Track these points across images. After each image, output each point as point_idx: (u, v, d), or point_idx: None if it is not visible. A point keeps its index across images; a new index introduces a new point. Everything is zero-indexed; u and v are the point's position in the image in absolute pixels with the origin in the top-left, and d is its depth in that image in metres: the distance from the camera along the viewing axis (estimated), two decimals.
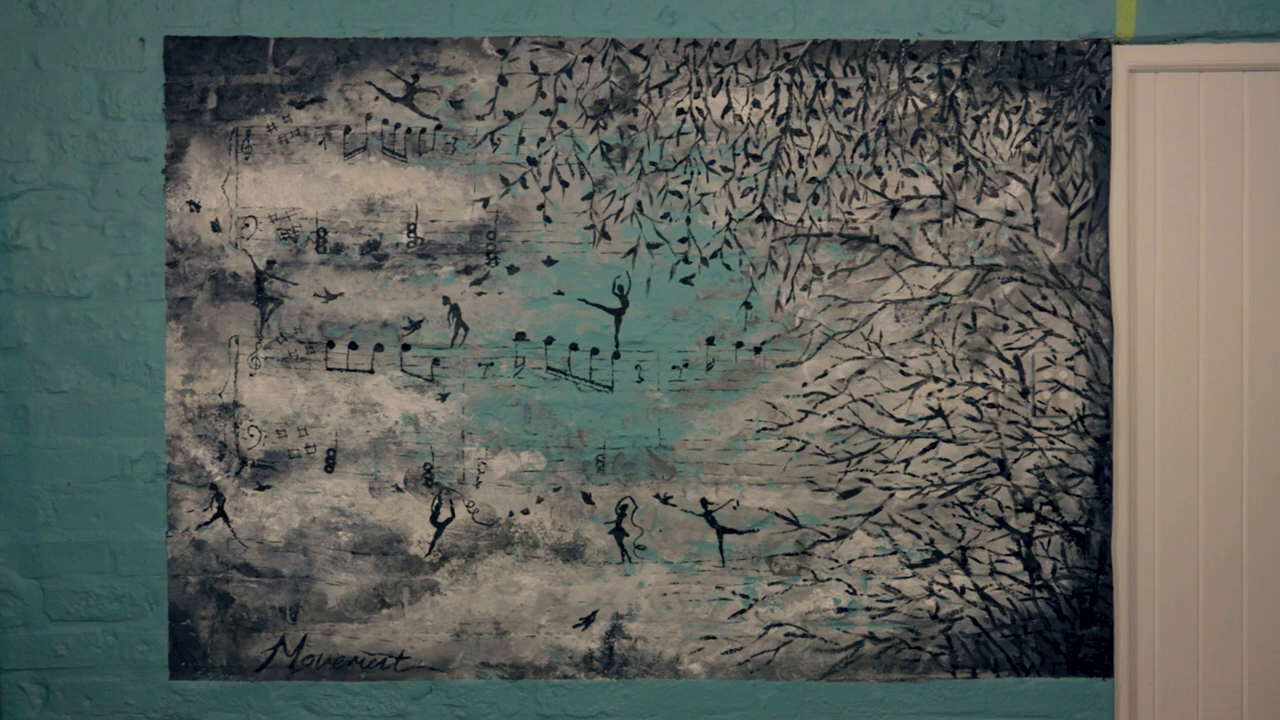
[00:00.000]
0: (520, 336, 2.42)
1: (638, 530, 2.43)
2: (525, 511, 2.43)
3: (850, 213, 2.42)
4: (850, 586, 2.43)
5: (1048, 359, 2.43)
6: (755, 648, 2.44)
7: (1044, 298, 2.42)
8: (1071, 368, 2.43)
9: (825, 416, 2.42)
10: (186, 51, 2.38)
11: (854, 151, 2.42)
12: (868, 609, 2.44)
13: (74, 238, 2.39)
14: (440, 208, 2.41)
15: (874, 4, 2.41)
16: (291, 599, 2.41)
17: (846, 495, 2.43)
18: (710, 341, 2.42)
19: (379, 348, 2.41)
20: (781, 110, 2.41)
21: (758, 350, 2.42)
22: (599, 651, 2.43)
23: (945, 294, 2.42)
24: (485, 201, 2.41)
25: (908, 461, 2.43)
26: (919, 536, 2.43)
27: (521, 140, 2.41)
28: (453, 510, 2.42)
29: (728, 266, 2.42)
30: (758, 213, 2.42)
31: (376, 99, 2.40)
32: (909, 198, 2.42)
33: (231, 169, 2.40)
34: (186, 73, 2.38)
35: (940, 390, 2.43)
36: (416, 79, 2.40)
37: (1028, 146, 2.42)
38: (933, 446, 2.43)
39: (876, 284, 2.43)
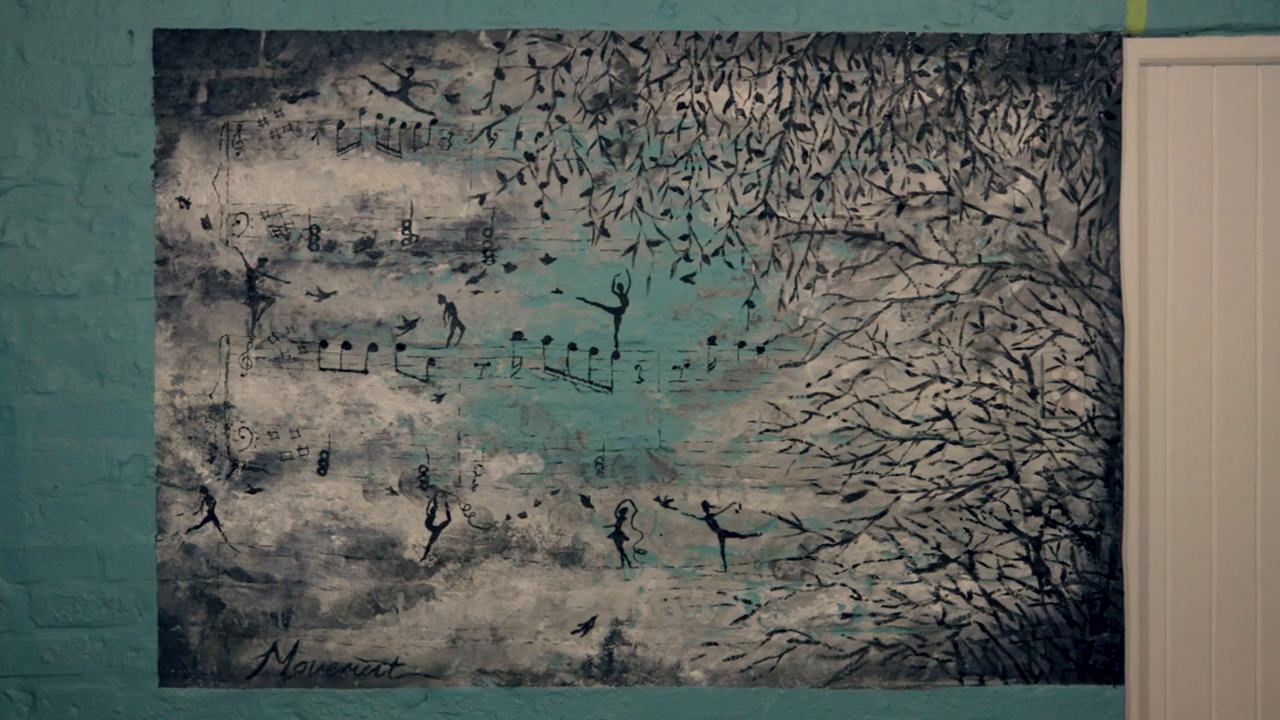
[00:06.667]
0: (518, 336, 2.37)
1: (638, 534, 2.38)
2: (523, 515, 2.38)
3: (855, 209, 2.37)
4: (855, 592, 2.39)
5: (1057, 359, 2.38)
6: (758, 654, 2.39)
7: (1053, 296, 2.37)
8: (1081, 368, 2.38)
9: (829, 418, 2.38)
10: (176, 44, 2.34)
11: (859, 147, 2.37)
12: (873, 615, 2.39)
13: (61, 235, 2.34)
14: (436, 204, 2.36)
15: None
16: (283, 604, 2.37)
17: (851, 498, 2.38)
18: (712, 341, 2.37)
19: (373, 347, 2.36)
20: (785, 105, 2.37)
21: (760, 350, 2.37)
22: (598, 658, 2.39)
23: (952, 292, 2.38)
24: (482, 198, 2.36)
25: (914, 464, 2.38)
26: (925, 540, 2.39)
27: (519, 135, 2.36)
28: (448, 514, 2.38)
29: (730, 264, 2.37)
30: (760, 209, 2.37)
31: (370, 93, 2.35)
32: (915, 194, 2.37)
33: (222, 164, 2.35)
34: (176, 66, 2.34)
35: (947, 391, 2.38)
36: (411, 72, 2.35)
37: (1036, 141, 2.37)
38: (939, 448, 2.38)
39: (882, 282, 2.38)
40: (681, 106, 2.36)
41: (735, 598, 2.39)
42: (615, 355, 2.38)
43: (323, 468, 2.36)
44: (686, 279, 2.38)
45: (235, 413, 2.36)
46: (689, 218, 2.37)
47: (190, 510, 2.36)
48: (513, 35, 2.36)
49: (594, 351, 2.38)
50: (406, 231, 2.36)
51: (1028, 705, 2.39)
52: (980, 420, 2.39)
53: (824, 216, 2.37)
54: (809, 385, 2.38)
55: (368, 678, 2.38)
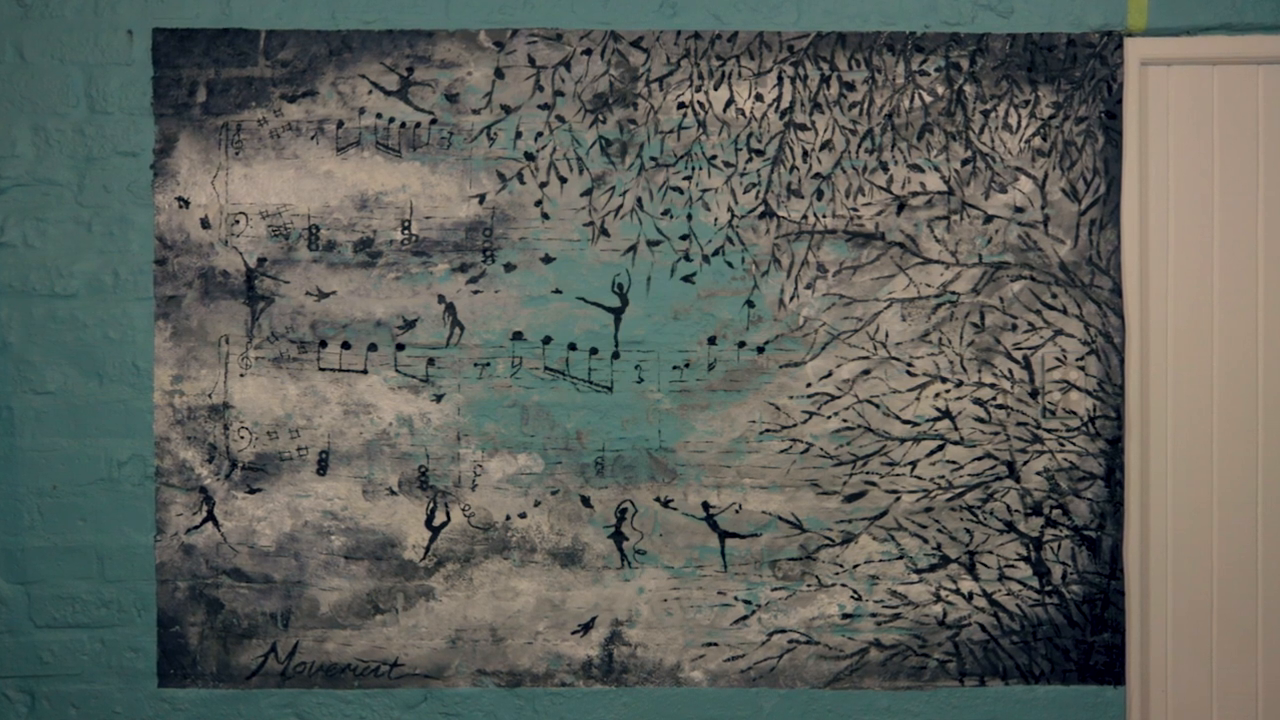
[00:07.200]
0: (517, 336, 2.37)
1: (638, 534, 2.38)
2: (522, 515, 2.37)
3: (855, 209, 2.37)
4: (855, 592, 2.38)
5: (1058, 359, 2.37)
6: (758, 655, 2.39)
7: (1054, 296, 2.37)
8: (1082, 368, 2.37)
9: (830, 418, 2.37)
10: (175, 44, 2.33)
11: (859, 146, 2.36)
12: (873, 615, 2.38)
13: (60, 235, 2.33)
14: (435, 204, 2.35)
15: None
16: (283, 605, 2.36)
17: (851, 498, 2.38)
18: (712, 341, 2.37)
19: (372, 347, 2.36)
20: (785, 104, 2.36)
21: (760, 350, 2.37)
22: (598, 659, 2.38)
23: (953, 292, 2.37)
24: (481, 198, 2.36)
25: (914, 464, 2.38)
26: (926, 541, 2.38)
27: (519, 135, 2.35)
28: (448, 514, 2.37)
29: (730, 264, 2.37)
30: (760, 209, 2.37)
31: (370, 92, 2.34)
32: (915, 194, 2.37)
33: (221, 164, 2.34)
34: (175, 65, 2.33)
35: (947, 391, 2.38)
36: (411, 72, 2.34)
37: (1037, 141, 2.36)
38: (940, 449, 2.38)
39: (882, 282, 2.37)
40: (681, 106, 2.36)
41: (735, 598, 2.38)
42: (615, 355, 2.37)
43: (322, 468, 2.36)
44: (686, 279, 2.37)
45: (234, 413, 2.35)
46: (689, 217, 2.37)
47: (189, 510, 2.36)
48: (512, 35, 2.35)
49: (594, 351, 2.37)
50: (406, 231, 2.36)
51: (1028, 706, 2.39)
52: (981, 420, 2.38)
53: (824, 216, 2.37)
54: (809, 385, 2.37)
55: (367, 678, 2.37)
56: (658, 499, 2.38)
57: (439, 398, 2.36)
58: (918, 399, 2.38)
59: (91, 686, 2.36)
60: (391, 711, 2.37)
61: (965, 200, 2.37)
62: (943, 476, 2.38)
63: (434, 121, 2.35)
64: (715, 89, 2.36)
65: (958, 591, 2.39)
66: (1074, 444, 2.38)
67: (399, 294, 2.36)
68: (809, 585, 2.38)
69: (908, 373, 2.38)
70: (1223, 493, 2.40)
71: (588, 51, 2.35)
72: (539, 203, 2.36)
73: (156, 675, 2.36)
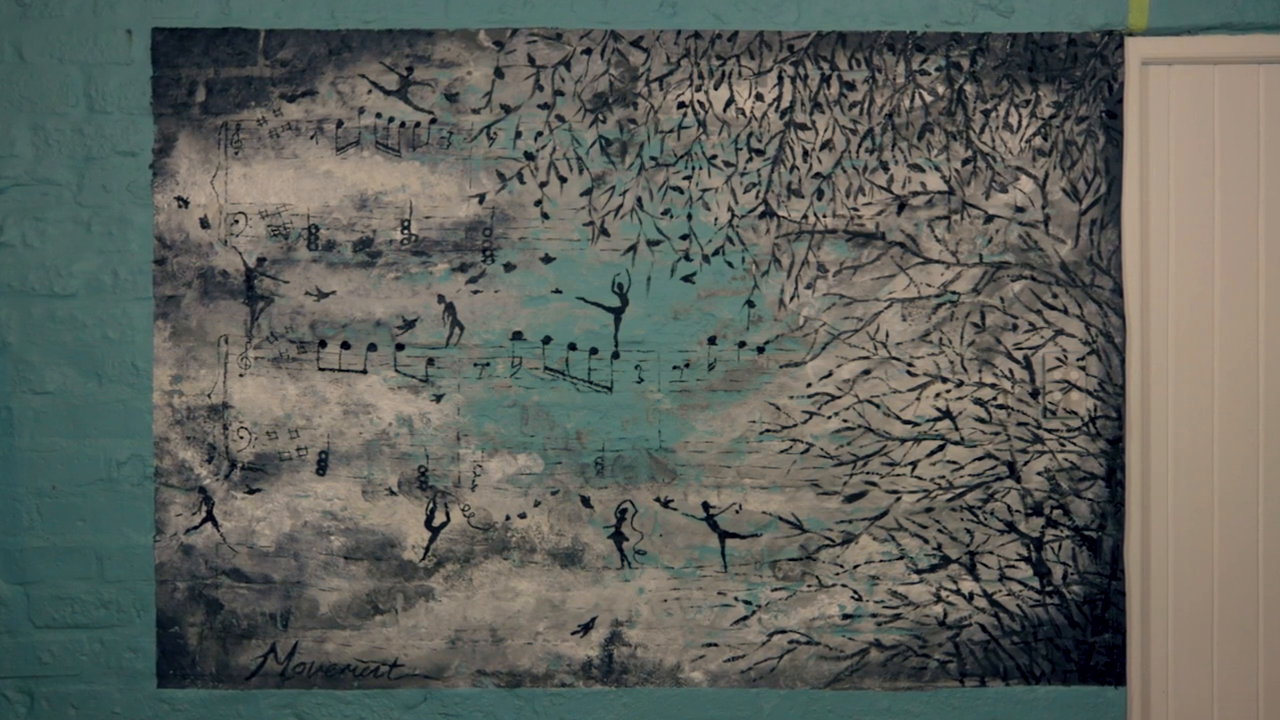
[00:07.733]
0: (517, 336, 2.36)
1: (638, 535, 2.37)
2: (522, 515, 2.37)
3: (856, 209, 2.36)
4: (856, 592, 2.38)
5: (1058, 359, 2.37)
6: (758, 655, 2.38)
7: (1054, 296, 2.37)
8: (1083, 368, 2.37)
9: (830, 418, 2.37)
10: (175, 43, 2.33)
11: (859, 146, 2.36)
12: (874, 615, 2.38)
13: (59, 235, 2.33)
14: (435, 204, 2.35)
15: None
16: (282, 605, 2.36)
17: (852, 499, 2.38)
18: (712, 341, 2.36)
19: (372, 347, 2.35)
20: (785, 104, 2.36)
21: (761, 350, 2.36)
22: (598, 659, 2.38)
23: (953, 292, 2.37)
24: (481, 197, 2.35)
25: (915, 464, 2.38)
26: (926, 541, 2.38)
27: (518, 134, 2.35)
28: (448, 514, 2.37)
29: (730, 264, 2.36)
30: (761, 209, 2.36)
31: (369, 92, 2.34)
32: (916, 193, 2.36)
33: (221, 164, 2.34)
34: (175, 65, 2.33)
35: (948, 391, 2.37)
36: (411, 72, 2.34)
37: (1038, 141, 2.36)
38: (940, 449, 2.38)
39: (882, 282, 2.37)
40: (682, 105, 2.36)
41: (735, 598, 2.38)
42: (615, 355, 2.37)
43: (322, 468, 2.36)
44: (687, 279, 2.37)
45: (234, 413, 2.35)
46: (689, 217, 2.37)
47: (189, 511, 2.35)
48: (512, 34, 2.35)
49: (594, 351, 2.37)
50: (406, 231, 2.35)
51: (1029, 706, 2.38)
52: (981, 420, 2.38)
53: (824, 216, 2.36)
54: (809, 385, 2.37)
55: (367, 679, 2.37)
56: (658, 499, 2.37)
57: (439, 398, 2.36)
58: (918, 399, 2.38)
59: (91, 687, 2.36)
60: (391, 712, 2.37)
61: (966, 200, 2.36)
62: (943, 477, 2.38)
63: (434, 121, 2.35)
64: (715, 88, 2.36)
65: (958, 592, 2.38)
66: (1075, 444, 2.38)
67: (399, 294, 2.36)
68: (809, 585, 2.38)
69: (908, 373, 2.38)
70: (1224, 493, 2.40)
71: (588, 51, 2.35)
72: (539, 202, 2.36)
73: (156, 676, 2.36)
